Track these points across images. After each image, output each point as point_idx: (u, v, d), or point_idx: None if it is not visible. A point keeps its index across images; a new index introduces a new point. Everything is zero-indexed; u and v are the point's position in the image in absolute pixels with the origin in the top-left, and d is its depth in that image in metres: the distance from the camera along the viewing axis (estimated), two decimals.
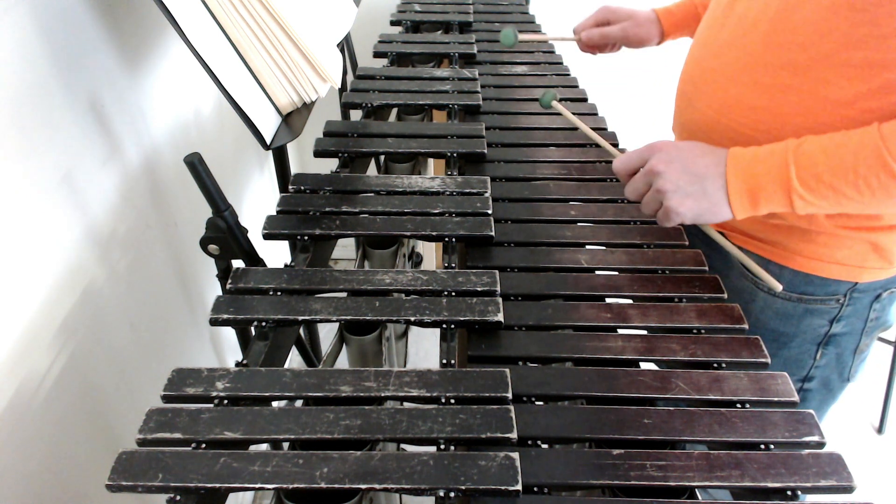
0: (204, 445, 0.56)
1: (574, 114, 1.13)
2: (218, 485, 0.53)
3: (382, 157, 1.11)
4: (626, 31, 1.03)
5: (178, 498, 0.53)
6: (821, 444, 0.59)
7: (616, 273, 0.79)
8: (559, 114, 0.94)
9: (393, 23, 1.46)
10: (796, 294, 0.81)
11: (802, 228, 0.78)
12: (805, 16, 0.68)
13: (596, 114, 1.13)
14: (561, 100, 0.98)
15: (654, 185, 0.70)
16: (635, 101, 2.01)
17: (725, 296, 0.75)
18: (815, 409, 0.63)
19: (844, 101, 0.68)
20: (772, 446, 0.59)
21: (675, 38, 1.06)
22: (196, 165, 0.72)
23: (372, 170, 1.07)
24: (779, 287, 0.74)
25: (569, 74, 1.27)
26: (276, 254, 1.05)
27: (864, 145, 0.63)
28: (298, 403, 0.62)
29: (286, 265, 0.77)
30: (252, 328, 0.71)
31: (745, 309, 0.73)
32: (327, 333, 1.81)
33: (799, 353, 0.87)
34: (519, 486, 0.53)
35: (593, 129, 0.93)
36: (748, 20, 0.74)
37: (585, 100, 1.17)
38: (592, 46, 1.09)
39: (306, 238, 0.81)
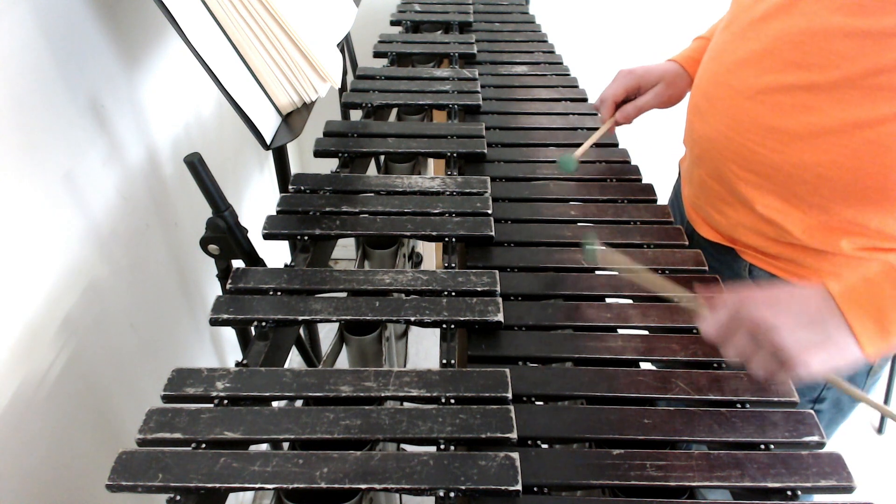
0: (204, 445, 0.56)
1: (573, 114, 1.13)
2: (218, 485, 0.53)
3: (382, 157, 1.11)
4: (659, 96, 0.96)
5: (178, 498, 0.53)
6: (821, 444, 0.59)
7: (616, 273, 0.79)
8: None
9: (393, 23, 1.46)
10: None
11: (816, 249, 0.76)
12: (831, 39, 0.66)
13: (596, 114, 1.12)
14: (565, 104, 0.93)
15: (765, 342, 0.58)
16: None
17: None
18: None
19: (866, 123, 0.66)
20: (772, 446, 0.59)
21: None
22: (196, 165, 0.72)
23: (372, 170, 1.07)
24: None
25: (569, 74, 1.26)
26: (276, 254, 1.05)
27: None
28: (298, 403, 0.62)
29: (286, 265, 0.77)
30: (252, 328, 0.71)
31: None
32: (327, 333, 1.81)
33: None
34: (519, 486, 0.53)
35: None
36: (768, 38, 0.72)
37: (585, 100, 1.17)
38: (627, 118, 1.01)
39: (306, 238, 0.81)
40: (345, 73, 1.28)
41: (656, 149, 1.42)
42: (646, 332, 0.71)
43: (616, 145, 1.04)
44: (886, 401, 1.85)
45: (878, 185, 0.69)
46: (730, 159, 0.78)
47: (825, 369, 0.58)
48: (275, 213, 0.84)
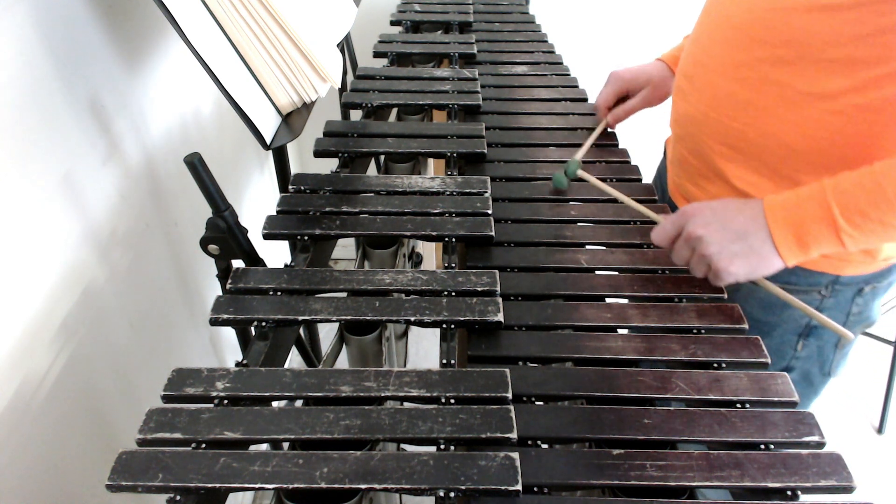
0: (204, 445, 0.56)
1: (573, 114, 1.13)
2: (218, 485, 0.53)
3: (382, 157, 1.11)
4: (648, 98, 1.03)
5: (178, 498, 0.53)
6: (821, 444, 0.59)
7: (616, 273, 0.79)
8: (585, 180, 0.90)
9: (393, 23, 1.46)
10: (779, 283, 0.82)
11: None
12: (791, 15, 0.69)
13: (595, 113, 1.12)
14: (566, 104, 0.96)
15: (697, 250, 0.70)
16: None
17: (725, 296, 0.75)
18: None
19: (828, 95, 0.70)
20: (772, 446, 0.59)
21: None
22: (196, 165, 0.72)
23: (372, 170, 1.07)
24: (851, 336, 0.73)
25: (569, 74, 1.26)
26: (276, 254, 1.05)
27: None
28: (298, 403, 0.62)
29: (286, 265, 0.77)
30: (252, 328, 0.71)
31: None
32: (327, 333, 1.81)
33: (780, 343, 0.88)
34: (519, 486, 0.53)
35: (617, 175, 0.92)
36: (736, 17, 0.76)
37: (585, 100, 1.17)
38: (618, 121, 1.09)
39: (306, 238, 0.81)
40: (345, 73, 1.28)
41: (642, 132, 1.41)
42: (646, 332, 0.71)
43: (616, 145, 1.04)
44: (886, 400, 1.85)
45: (842, 154, 0.72)
46: (707, 134, 0.82)
47: (747, 277, 0.70)
48: (275, 213, 0.84)
